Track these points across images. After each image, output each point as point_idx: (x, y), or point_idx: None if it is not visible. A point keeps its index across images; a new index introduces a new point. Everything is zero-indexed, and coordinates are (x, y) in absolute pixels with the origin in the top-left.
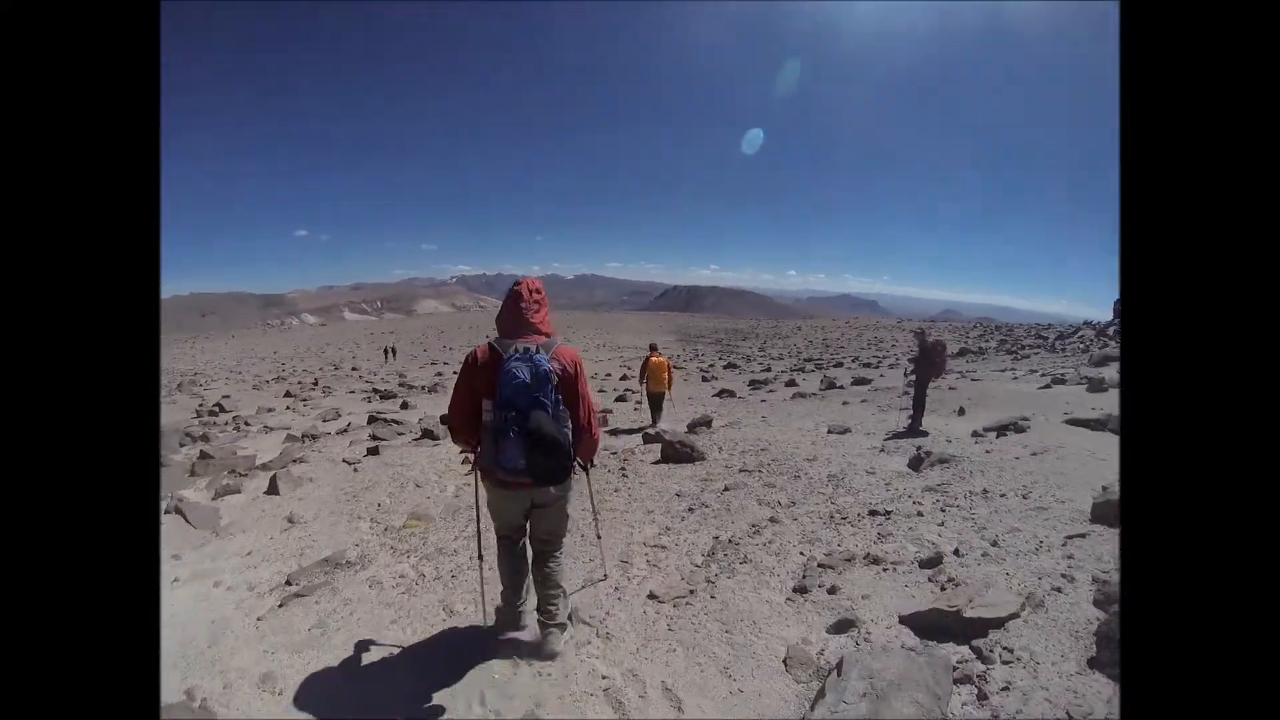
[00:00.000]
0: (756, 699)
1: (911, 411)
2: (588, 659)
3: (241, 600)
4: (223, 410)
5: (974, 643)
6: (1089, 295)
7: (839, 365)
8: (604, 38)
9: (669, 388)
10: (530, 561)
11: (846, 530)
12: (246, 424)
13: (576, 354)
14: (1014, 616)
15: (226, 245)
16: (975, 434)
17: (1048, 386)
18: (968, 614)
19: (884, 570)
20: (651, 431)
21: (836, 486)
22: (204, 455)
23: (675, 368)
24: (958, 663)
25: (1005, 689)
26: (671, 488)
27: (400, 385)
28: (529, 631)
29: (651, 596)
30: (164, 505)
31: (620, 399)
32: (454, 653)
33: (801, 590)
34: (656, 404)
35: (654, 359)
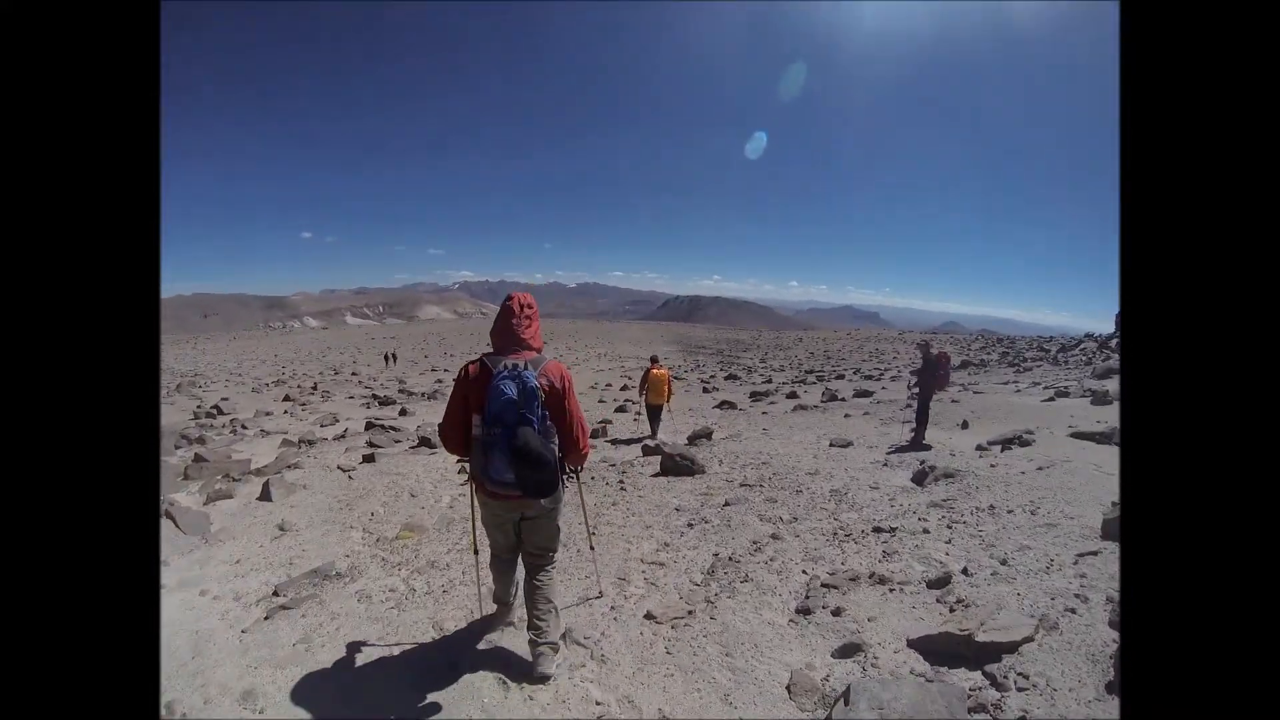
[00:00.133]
0: None
1: (914, 425)
2: (581, 683)
3: (227, 611)
4: (220, 413)
5: (987, 668)
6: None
7: (840, 377)
8: (610, 40)
9: (668, 400)
10: (523, 576)
11: (850, 548)
12: (244, 427)
13: (565, 370)
14: (1028, 640)
15: (230, 246)
16: (980, 448)
17: (1051, 399)
18: (980, 638)
19: (890, 591)
20: (651, 443)
21: (839, 502)
22: (198, 458)
23: (676, 378)
24: (971, 690)
25: (1022, 719)
26: (671, 502)
27: (400, 392)
28: (517, 629)
29: (649, 617)
30: None
31: (620, 409)
32: (442, 673)
33: (805, 611)
34: (655, 416)
35: (655, 371)
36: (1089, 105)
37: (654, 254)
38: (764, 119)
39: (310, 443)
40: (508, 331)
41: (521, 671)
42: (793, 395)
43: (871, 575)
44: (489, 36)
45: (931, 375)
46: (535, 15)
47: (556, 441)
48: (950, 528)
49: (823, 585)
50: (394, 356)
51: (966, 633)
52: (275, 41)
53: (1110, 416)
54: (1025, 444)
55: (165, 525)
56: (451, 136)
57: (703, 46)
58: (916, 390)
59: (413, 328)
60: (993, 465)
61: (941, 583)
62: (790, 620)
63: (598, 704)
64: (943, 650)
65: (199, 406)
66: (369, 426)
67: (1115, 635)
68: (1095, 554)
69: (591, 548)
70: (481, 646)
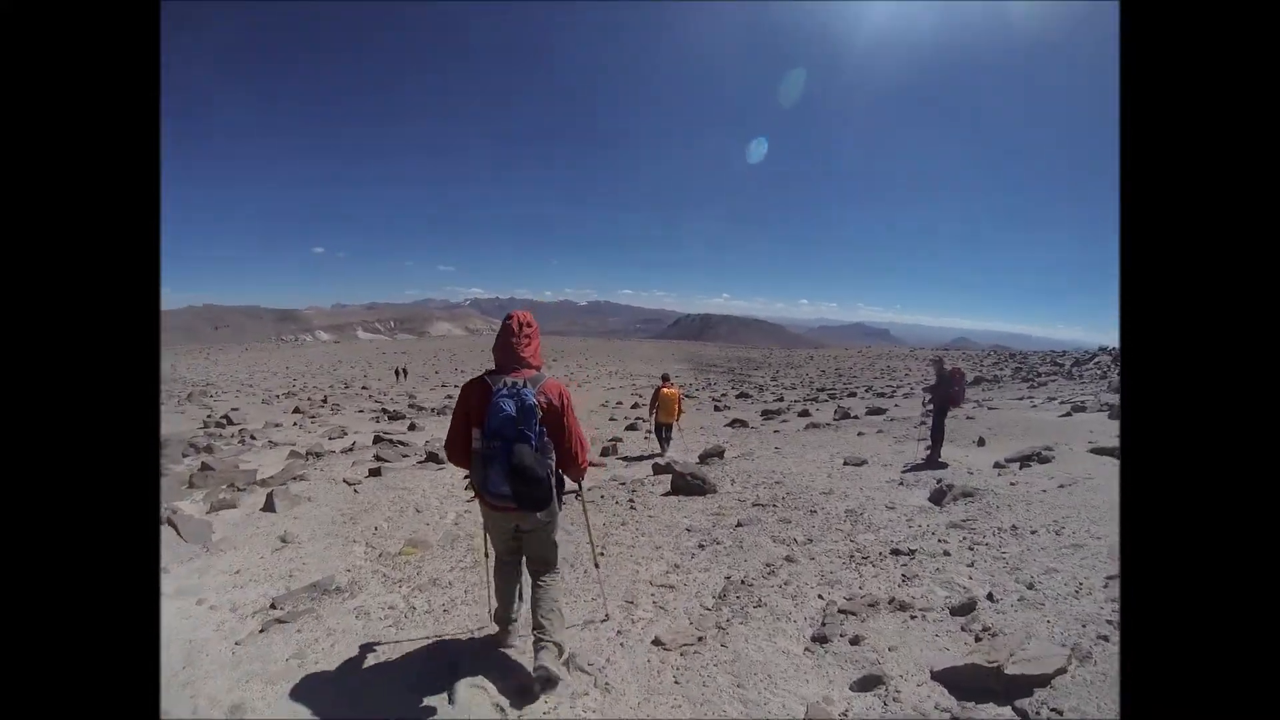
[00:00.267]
0: None
1: (929, 442)
2: (584, 713)
3: (223, 622)
4: (230, 423)
5: (1018, 703)
6: (1104, 321)
7: (852, 395)
8: (617, 56)
9: (678, 419)
10: (529, 584)
11: (868, 571)
12: (252, 438)
13: (563, 388)
14: (1060, 672)
15: (243, 259)
16: (998, 465)
17: (1068, 414)
18: (1009, 670)
19: (912, 618)
20: (661, 462)
21: (855, 522)
22: (205, 467)
23: (688, 397)
24: None
25: None
26: (681, 522)
27: (410, 406)
28: (516, 650)
29: (657, 643)
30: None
31: (631, 427)
32: (436, 698)
33: (821, 640)
34: (666, 434)
35: (665, 390)
36: (1099, 113)
37: (664, 272)
38: (769, 128)
39: (318, 455)
40: (508, 349)
41: (520, 695)
42: (805, 413)
43: (891, 601)
44: (500, 55)
45: (946, 391)
46: (545, 41)
47: (553, 458)
48: (972, 550)
49: (840, 611)
50: (404, 371)
51: (995, 664)
52: (290, 56)
53: None
54: (1045, 461)
55: (167, 533)
56: (463, 154)
57: (708, 57)
58: (931, 407)
59: (423, 343)
60: (1012, 483)
61: (966, 609)
62: (806, 649)
63: None
64: (970, 684)
65: (209, 416)
66: (377, 440)
67: None
68: None
69: (596, 565)
70: (479, 671)
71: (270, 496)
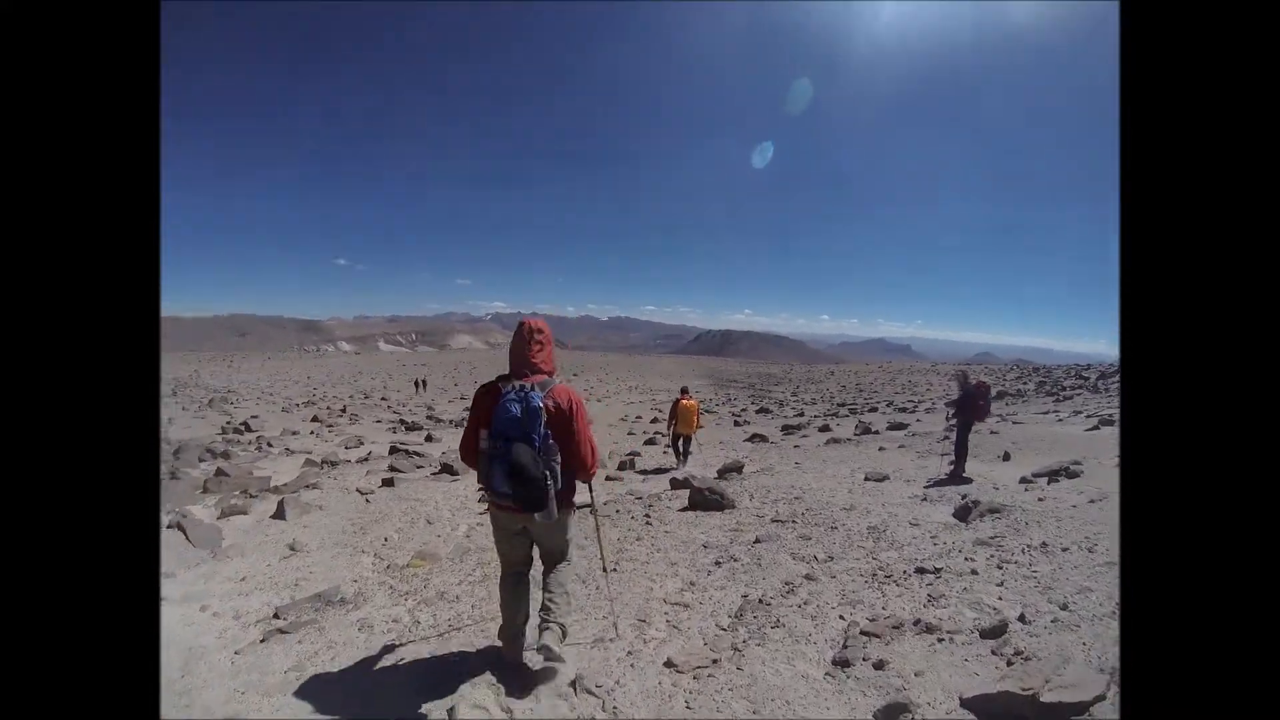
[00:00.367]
0: None
1: (953, 457)
2: None
3: (225, 630)
4: (248, 429)
5: None
6: None
7: (874, 410)
8: (650, 73)
9: (695, 430)
10: (536, 603)
11: (892, 591)
12: (269, 445)
13: (574, 393)
14: (1099, 699)
15: (267, 270)
16: (1024, 480)
17: (1096, 428)
18: (1045, 698)
19: (939, 640)
20: (679, 476)
21: (878, 540)
22: (219, 473)
23: (707, 411)
24: None
25: None
26: (698, 538)
27: (428, 418)
28: (522, 670)
29: (669, 665)
30: (167, 520)
31: (650, 441)
32: (437, 716)
33: (843, 664)
34: (684, 446)
35: (684, 402)
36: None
37: (686, 288)
38: (790, 137)
39: (333, 463)
40: (520, 355)
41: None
42: (825, 428)
43: (917, 622)
44: (524, 68)
45: (970, 406)
46: (570, 55)
47: (559, 460)
48: (1001, 568)
49: (862, 633)
50: (424, 383)
51: (1030, 692)
52: (313, 67)
53: None
54: (1073, 475)
55: (175, 537)
56: (487, 168)
57: (720, 62)
58: (954, 421)
59: (444, 356)
60: (1040, 499)
61: (996, 632)
62: (827, 674)
63: None
64: (1003, 712)
65: (228, 422)
66: (393, 451)
67: None
68: None
69: (604, 570)
70: (483, 689)
71: (281, 504)
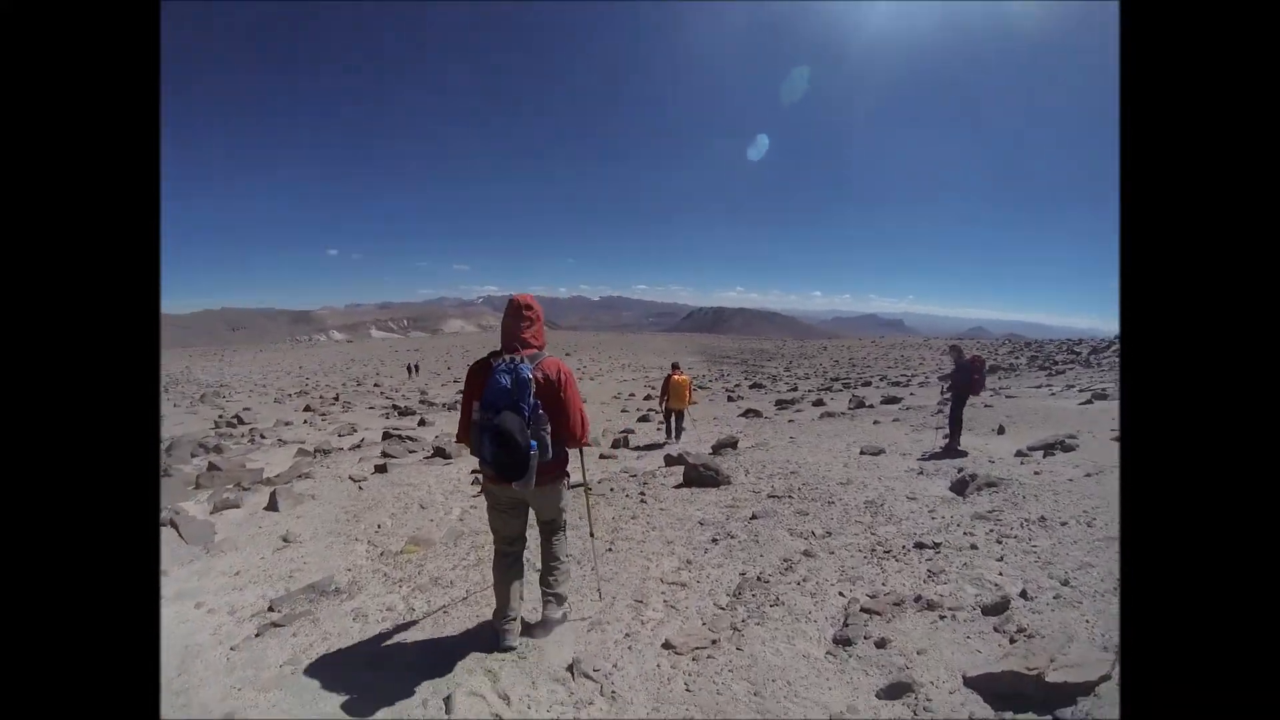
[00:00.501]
0: None
1: (948, 430)
2: None
3: (220, 625)
4: (241, 422)
5: (1059, 713)
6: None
7: (867, 384)
8: (631, 52)
9: (688, 405)
10: (529, 583)
11: (891, 566)
12: (262, 436)
13: (563, 364)
14: (1105, 679)
15: (259, 262)
16: (1019, 454)
17: (1089, 402)
18: (1051, 678)
19: (941, 618)
20: (674, 453)
21: (875, 514)
22: (212, 467)
23: (701, 388)
24: None
25: None
26: (694, 515)
27: (421, 402)
28: (516, 654)
29: (667, 646)
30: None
31: (644, 419)
32: (431, 704)
33: (844, 642)
34: (677, 420)
35: (676, 377)
36: (1105, 109)
37: (678, 266)
38: (772, 124)
39: (325, 452)
40: (510, 331)
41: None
42: (819, 403)
43: (918, 599)
44: (512, 55)
45: (965, 379)
46: (559, 40)
47: (548, 430)
48: (1000, 543)
49: (863, 610)
50: (417, 368)
51: (1036, 671)
52: (301, 58)
53: None
54: (1069, 449)
55: (169, 534)
56: (475, 154)
57: (714, 57)
58: (949, 395)
59: (437, 340)
60: (1036, 472)
61: (999, 608)
62: (828, 652)
63: None
64: (1007, 691)
65: (220, 416)
66: (386, 436)
67: None
68: None
69: (592, 535)
70: (478, 674)
71: (274, 495)
